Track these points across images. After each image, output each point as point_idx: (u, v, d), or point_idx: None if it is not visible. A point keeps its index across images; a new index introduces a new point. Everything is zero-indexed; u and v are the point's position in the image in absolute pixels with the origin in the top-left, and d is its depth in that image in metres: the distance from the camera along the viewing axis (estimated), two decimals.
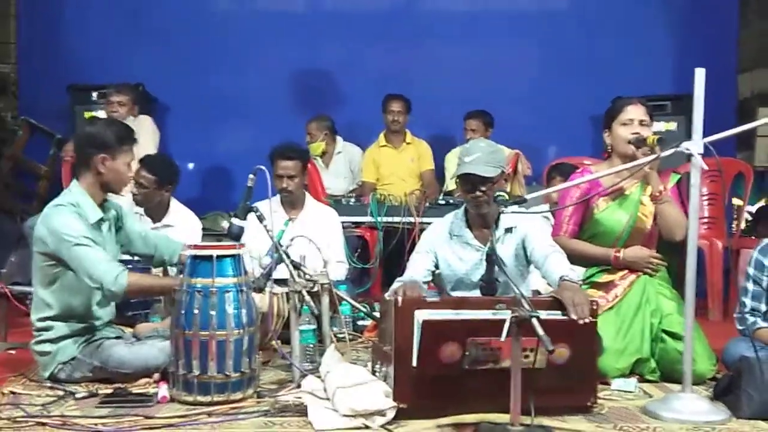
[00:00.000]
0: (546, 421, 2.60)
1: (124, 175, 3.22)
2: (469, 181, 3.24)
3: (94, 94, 6.37)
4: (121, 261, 3.51)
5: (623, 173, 3.27)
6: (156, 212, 4.49)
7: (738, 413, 2.76)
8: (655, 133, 3.40)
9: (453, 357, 2.59)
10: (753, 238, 5.56)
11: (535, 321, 2.42)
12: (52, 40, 6.86)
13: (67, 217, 3.03)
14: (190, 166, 6.90)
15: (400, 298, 2.71)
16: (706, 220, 5.32)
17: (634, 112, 3.44)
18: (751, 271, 3.25)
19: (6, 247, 4.68)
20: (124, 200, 3.97)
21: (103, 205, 3.20)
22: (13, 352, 3.77)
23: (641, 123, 3.42)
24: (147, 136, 5.68)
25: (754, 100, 7.54)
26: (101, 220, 3.16)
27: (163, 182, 4.44)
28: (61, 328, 3.11)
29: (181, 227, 4.42)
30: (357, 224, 5.41)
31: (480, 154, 3.25)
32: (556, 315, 2.75)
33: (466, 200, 3.35)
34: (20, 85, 7.02)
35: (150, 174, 4.40)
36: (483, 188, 3.21)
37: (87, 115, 6.44)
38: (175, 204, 4.58)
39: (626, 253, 3.43)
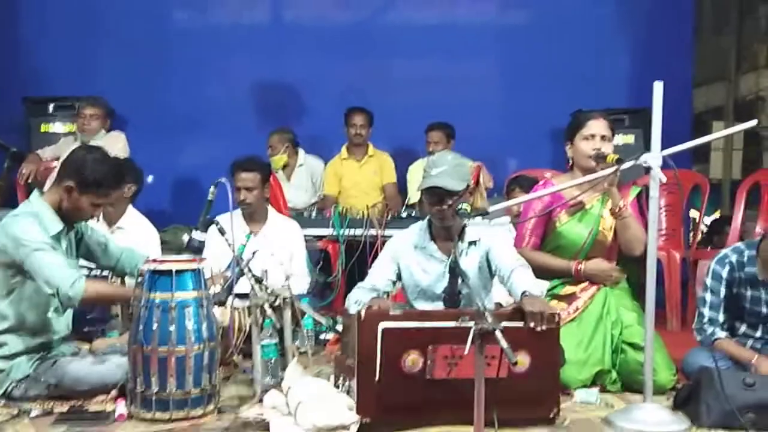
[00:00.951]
0: None
1: (84, 214, 3.13)
2: (435, 194, 3.21)
3: (51, 107, 6.24)
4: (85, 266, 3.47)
5: (584, 186, 3.30)
6: (113, 215, 4.43)
7: (698, 423, 2.80)
8: (615, 150, 3.43)
9: (415, 367, 2.59)
10: (709, 249, 5.65)
11: (498, 333, 2.41)
12: (7, 51, 6.69)
13: (27, 225, 2.97)
14: (150, 179, 6.75)
15: (363, 311, 2.69)
16: (663, 232, 5.39)
17: (596, 126, 3.47)
18: (708, 281, 3.29)
19: None
20: None
21: (64, 218, 3.13)
22: None
23: (602, 138, 3.46)
24: (120, 152, 5.57)
25: (708, 113, 7.70)
26: (60, 232, 3.09)
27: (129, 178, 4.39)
28: (15, 343, 3.03)
29: (135, 232, 4.40)
30: (319, 237, 5.36)
31: (446, 167, 3.23)
32: (517, 325, 2.75)
33: (431, 213, 3.33)
34: None
35: None
36: (449, 201, 3.19)
37: (43, 128, 6.32)
38: (132, 210, 4.54)
39: (587, 266, 3.46)
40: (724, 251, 3.33)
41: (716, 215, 7.14)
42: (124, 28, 6.67)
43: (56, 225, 3.06)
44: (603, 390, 3.26)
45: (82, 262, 3.37)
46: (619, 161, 3.20)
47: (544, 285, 3.42)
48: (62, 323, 3.17)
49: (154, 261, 2.87)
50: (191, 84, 6.67)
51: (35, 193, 3.12)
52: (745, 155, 7.49)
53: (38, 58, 6.64)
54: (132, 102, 6.54)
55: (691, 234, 5.91)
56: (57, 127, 6.22)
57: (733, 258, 3.26)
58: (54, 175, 3.24)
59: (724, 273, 3.25)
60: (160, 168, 6.70)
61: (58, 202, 3.09)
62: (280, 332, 3.23)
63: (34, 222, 2.99)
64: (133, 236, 4.35)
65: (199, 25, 6.94)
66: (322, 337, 4.21)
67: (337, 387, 2.88)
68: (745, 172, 7.04)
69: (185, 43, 6.71)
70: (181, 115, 6.62)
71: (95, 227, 4.22)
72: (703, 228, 6.21)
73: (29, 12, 6.74)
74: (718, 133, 3.21)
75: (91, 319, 3.76)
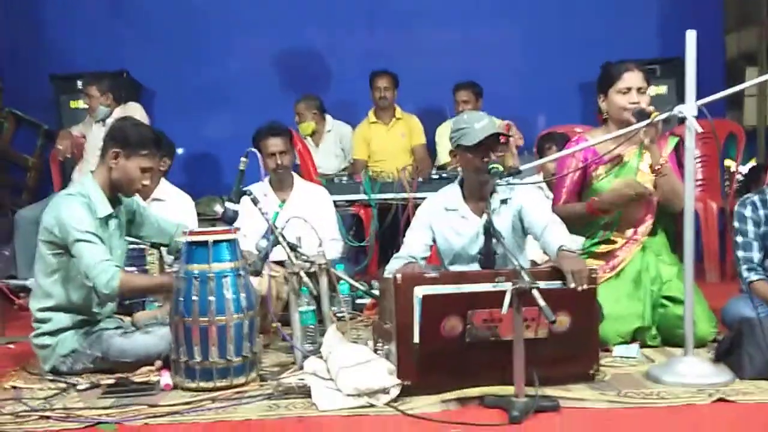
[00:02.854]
0: (550, 391, 2.60)
1: (134, 179, 3.13)
2: (486, 146, 3.18)
3: (79, 83, 6.26)
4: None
5: (619, 140, 3.24)
6: (148, 190, 4.41)
7: (740, 374, 2.77)
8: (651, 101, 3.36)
9: (454, 331, 2.59)
10: None
11: (535, 292, 2.42)
12: (33, 30, 6.75)
13: (76, 209, 3.01)
14: (180, 151, 6.81)
15: (399, 276, 2.70)
16: (700, 182, 5.32)
17: (632, 79, 3.37)
18: (735, 224, 3.29)
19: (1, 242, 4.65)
20: None
21: (114, 200, 3.17)
22: (11, 346, 3.75)
23: (639, 90, 3.37)
24: None
25: (741, 59, 7.53)
26: (110, 215, 3.13)
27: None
28: (61, 319, 3.09)
29: (173, 202, 4.40)
30: (351, 202, 5.38)
31: (487, 119, 3.25)
32: (555, 285, 2.75)
33: (475, 169, 3.24)
34: (3, 76, 6.92)
35: None
36: (500, 148, 3.18)
37: (72, 104, 6.38)
38: (165, 182, 4.56)
39: (601, 198, 3.35)
40: (746, 195, 3.32)
41: (752, 163, 7.01)
42: (148, 2, 6.67)
43: (105, 208, 3.10)
44: (643, 345, 3.25)
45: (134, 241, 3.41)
46: (663, 119, 3.12)
47: (579, 240, 3.39)
48: (102, 304, 3.21)
49: (191, 233, 2.89)
50: (217, 56, 6.70)
51: (89, 173, 3.15)
52: None
53: (63, 35, 6.69)
54: (158, 76, 6.60)
55: (727, 183, 5.82)
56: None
57: (756, 198, 3.26)
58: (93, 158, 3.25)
59: (747, 212, 3.25)
60: (188, 140, 6.74)
61: (107, 181, 3.12)
62: (317, 299, 3.26)
63: (83, 205, 3.02)
64: (171, 207, 4.37)
65: None
66: (358, 302, 4.24)
67: (376, 351, 2.89)
68: None
69: (209, 16, 6.73)
70: (207, 88, 6.66)
71: None
72: (739, 177, 6.11)
73: None
74: (755, 80, 3.13)
75: None
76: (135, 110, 5.83)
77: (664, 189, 3.34)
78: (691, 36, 2.78)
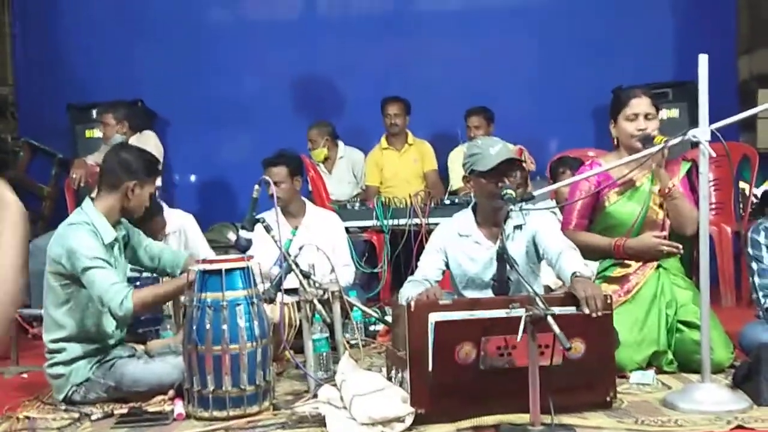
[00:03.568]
0: (566, 419, 2.58)
1: (145, 204, 3.24)
2: (500, 171, 3.19)
3: (94, 113, 6.33)
4: (133, 273, 3.51)
5: (631, 165, 3.24)
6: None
7: (759, 400, 2.74)
8: (660, 125, 3.36)
9: (468, 358, 2.57)
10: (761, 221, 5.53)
11: (550, 318, 2.40)
12: (49, 60, 6.83)
13: (83, 237, 3.03)
14: (192, 178, 6.89)
15: (412, 302, 2.69)
16: (714, 206, 5.29)
17: (639, 105, 3.39)
18: (750, 251, 3.26)
19: None
20: None
21: (115, 224, 3.19)
22: (25, 375, 3.75)
23: (646, 116, 3.38)
24: (152, 151, 5.65)
25: (753, 81, 7.51)
26: (115, 240, 3.15)
27: None
28: (74, 349, 3.09)
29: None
30: (363, 228, 5.38)
31: (501, 145, 3.27)
32: (569, 310, 2.73)
33: (489, 195, 3.24)
34: (20, 105, 7.00)
35: None
36: (514, 175, 3.21)
37: (88, 133, 6.43)
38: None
39: (629, 242, 3.34)
40: (759, 221, 3.29)
41: (766, 186, 6.97)
42: (161, 31, 6.76)
43: (110, 233, 3.11)
44: (659, 371, 3.21)
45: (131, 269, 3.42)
46: (667, 141, 3.14)
47: (593, 266, 3.38)
48: (120, 326, 3.22)
49: (204, 261, 2.90)
50: (229, 82, 6.73)
51: (87, 201, 3.17)
52: None
53: (80, 65, 6.77)
54: (172, 103, 6.65)
55: (742, 207, 5.78)
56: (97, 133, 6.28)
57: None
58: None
59: (761, 238, 3.24)
60: (201, 167, 6.82)
61: (114, 208, 3.14)
62: (330, 326, 3.25)
63: (89, 233, 3.04)
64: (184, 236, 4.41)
65: (232, 24, 7.01)
66: (371, 328, 4.22)
67: (390, 379, 2.88)
68: None
69: (220, 42, 6.77)
70: (220, 114, 6.69)
71: None
72: (753, 200, 6.07)
73: (69, 22, 6.85)
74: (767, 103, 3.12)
75: (144, 320, 3.82)
76: (149, 138, 5.88)
77: (674, 212, 3.34)
78: (703, 60, 2.77)
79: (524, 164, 5.20)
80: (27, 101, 6.97)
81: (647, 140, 3.27)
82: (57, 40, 6.88)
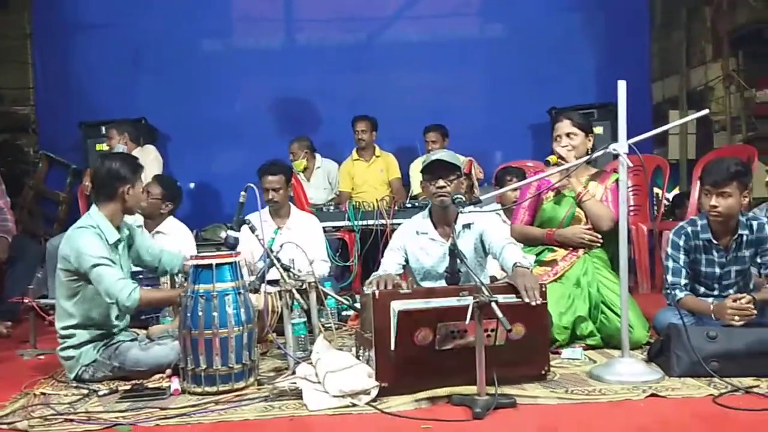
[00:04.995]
0: (508, 390, 2.57)
1: (141, 198, 3.22)
2: (434, 171, 3.19)
3: (103, 129, 6.22)
4: (134, 273, 3.44)
5: (561, 175, 3.36)
6: (151, 225, 4.41)
7: (670, 372, 2.76)
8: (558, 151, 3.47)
9: (426, 340, 2.55)
10: (672, 221, 5.60)
11: (494, 305, 2.39)
12: (64, 84, 6.75)
13: (89, 239, 2.95)
14: (192, 185, 6.81)
15: (377, 291, 2.67)
16: (632, 208, 5.32)
17: (561, 128, 3.51)
18: (669, 251, 3.24)
19: (33, 265, 4.56)
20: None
21: (119, 226, 3.12)
22: (42, 357, 3.66)
23: (567, 135, 3.49)
24: (152, 163, 5.59)
25: (666, 103, 7.63)
26: (118, 240, 3.08)
27: (167, 197, 4.45)
28: (82, 334, 3.02)
29: (173, 235, 4.39)
30: (337, 228, 5.37)
31: (443, 152, 3.31)
32: (511, 298, 2.72)
33: (432, 195, 3.24)
34: (39, 123, 6.88)
35: (159, 187, 4.42)
36: (451, 177, 3.19)
37: (98, 147, 6.32)
38: (171, 218, 4.52)
39: (559, 231, 3.50)
40: (680, 224, 3.29)
41: (676, 191, 7.07)
42: (160, 58, 6.69)
43: (114, 234, 3.05)
44: (585, 348, 3.23)
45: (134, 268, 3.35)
46: (560, 159, 3.40)
47: (531, 258, 3.39)
48: (121, 317, 3.15)
49: (197, 257, 2.84)
50: (221, 102, 6.70)
51: (94, 207, 3.10)
52: (697, 138, 7.41)
53: (91, 87, 6.68)
54: (170, 121, 6.59)
55: (656, 209, 5.85)
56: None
57: (689, 228, 3.22)
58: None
59: (681, 242, 3.21)
60: (197, 175, 6.75)
61: (116, 211, 3.08)
62: (308, 312, 3.21)
63: (94, 235, 2.97)
64: (171, 238, 4.34)
65: (225, 52, 6.94)
66: (343, 314, 4.19)
67: (358, 357, 2.85)
68: (699, 152, 6.98)
69: (214, 68, 6.73)
70: (213, 130, 6.64)
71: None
72: (665, 203, 6.14)
73: (80, 52, 6.76)
74: (677, 121, 3.15)
75: (147, 309, 3.74)
76: (150, 152, 5.81)
77: (589, 212, 3.47)
78: (622, 85, 2.79)
79: (463, 169, 5.24)
80: (45, 119, 6.87)
81: (546, 163, 3.49)
82: (71, 68, 6.78)
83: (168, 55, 6.65)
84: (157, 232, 4.40)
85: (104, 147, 6.17)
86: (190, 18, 6.72)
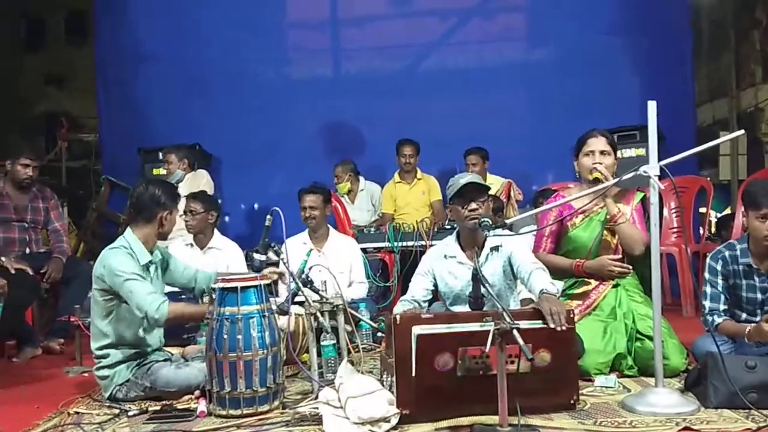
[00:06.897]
0: (533, 420, 2.40)
1: (174, 225, 3.17)
2: (466, 195, 3.05)
3: (160, 154, 6.30)
4: (176, 293, 3.41)
5: (589, 196, 3.10)
6: (203, 240, 4.44)
7: (706, 403, 2.54)
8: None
9: (447, 366, 2.41)
10: (719, 243, 5.28)
11: (515, 332, 2.23)
12: (124, 113, 6.91)
13: (121, 257, 2.93)
14: (242, 206, 6.83)
15: (398, 316, 2.53)
16: (675, 230, 5.05)
17: (594, 143, 3.26)
18: (706, 276, 3.00)
19: (86, 285, 4.58)
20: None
21: (152, 250, 3.09)
22: (86, 374, 3.64)
23: (602, 153, 3.24)
24: (204, 186, 5.59)
25: (716, 125, 7.31)
26: (150, 262, 3.04)
27: (209, 207, 4.45)
28: (116, 354, 2.98)
29: (227, 250, 4.41)
30: (378, 249, 5.26)
31: (470, 176, 3.16)
32: (536, 324, 2.54)
33: (462, 218, 3.10)
34: (102, 150, 7.05)
35: (199, 202, 4.43)
36: (482, 199, 3.04)
37: (155, 171, 6.41)
38: (218, 234, 4.53)
39: (587, 264, 3.22)
40: (717, 248, 3.05)
41: (727, 211, 6.71)
42: (216, 87, 6.78)
43: (146, 256, 3.01)
44: (621, 376, 3.01)
45: (169, 288, 3.30)
46: (596, 180, 3.12)
47: (559, 285, 3.19)
48: (155, 337, 3.10)
49: (223, 280, 2.77)
50: (271, 128, 6.71)
51: (128, 229, 3.08)
52: (749, 158, 7.04)
53: (148, 116, 6.81)
54: (223, 146, 6.64)
55: (701, 230, 5.53)
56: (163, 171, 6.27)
57: (726, 253, 2.98)
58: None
59: (719, 266, 2.97)
60: (248, 197, 6.76)
61: (150, 235, 3.06)
62: (337, 334, 3.10)
63: (125, 254, 2.95)
64: (226, 255, 4.34)
65: (275, 80, 6.97)
66: (379, 335, 4.05)
67: (382, 382, 2.71)
68: (750, 173, 6.63)
69: (264, 95, 6.76)
70: (263, 154, 6.67)
71: (185, 252, 4.26)
72: (711, 223, 5.82)
73: (139, 82, 6.91)
74: (704, 145, 2.91)
75: (189, 327, 3.70)
76: (202, 176, 5.83)
77: (622, 236, 3.18)
78: (652, 105, 2.64)
79: (502, 191, 5.05)
80: (108, 146, 7.04)
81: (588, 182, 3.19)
82: (130, 97, 6.93)
83: (223, 83, 6.74)
84: (210, 248, 4.41)
85: (161, 171, 6.24)
86: (245, 47, 6.80)
